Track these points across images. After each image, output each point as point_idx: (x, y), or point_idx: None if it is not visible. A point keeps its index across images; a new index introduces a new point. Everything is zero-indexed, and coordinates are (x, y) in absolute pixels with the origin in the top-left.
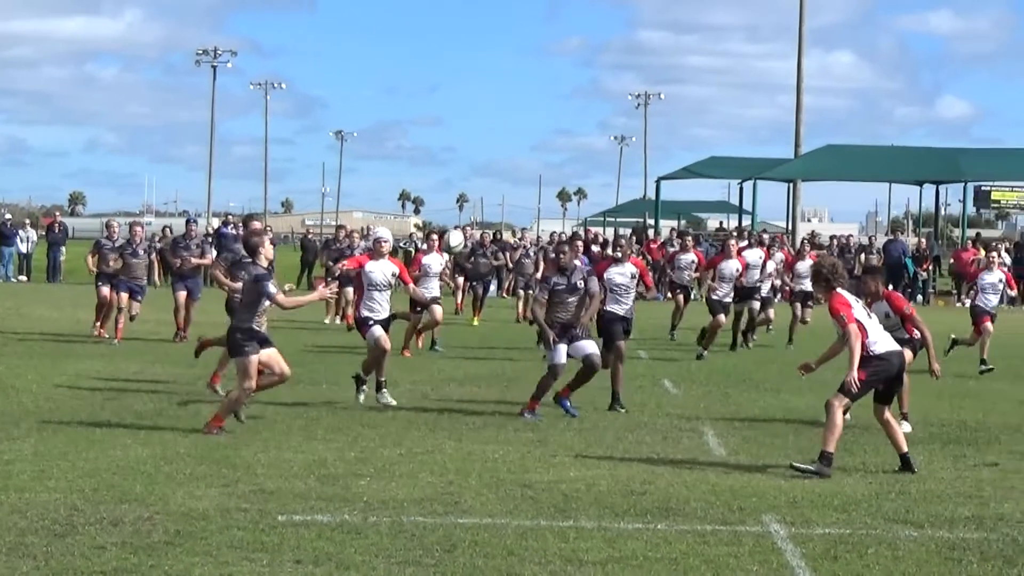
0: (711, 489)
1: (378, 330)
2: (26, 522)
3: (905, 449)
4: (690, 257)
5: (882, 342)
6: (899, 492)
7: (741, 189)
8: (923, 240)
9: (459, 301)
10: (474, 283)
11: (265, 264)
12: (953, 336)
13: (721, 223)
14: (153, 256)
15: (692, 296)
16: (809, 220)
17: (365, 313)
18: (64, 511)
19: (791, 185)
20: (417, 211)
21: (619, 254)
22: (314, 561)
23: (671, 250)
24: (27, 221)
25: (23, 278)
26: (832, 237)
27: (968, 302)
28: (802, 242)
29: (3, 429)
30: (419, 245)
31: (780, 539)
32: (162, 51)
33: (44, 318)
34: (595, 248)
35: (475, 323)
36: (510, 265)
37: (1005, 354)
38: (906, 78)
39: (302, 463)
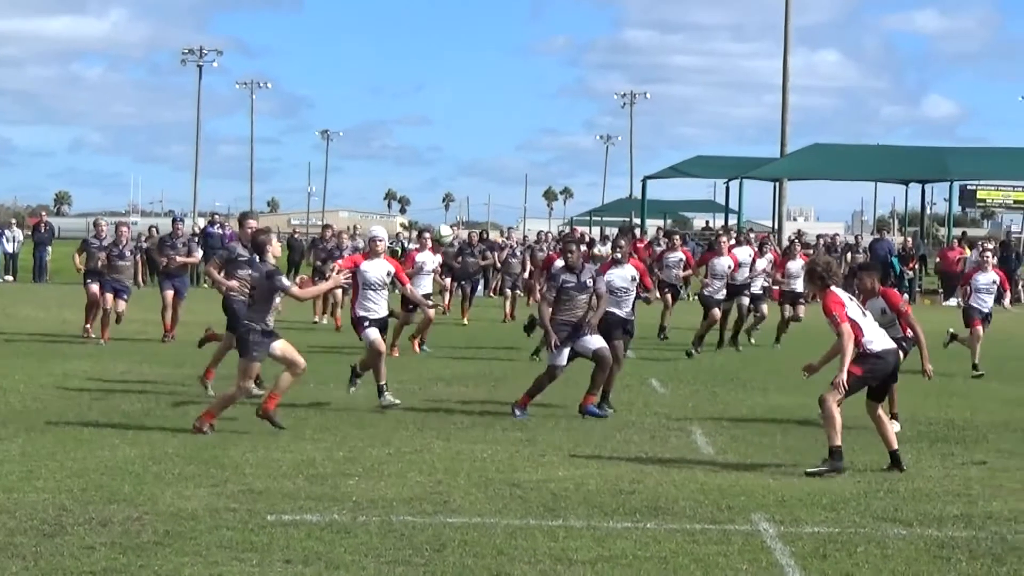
0: (700, 488)
1: (373, 332)
2: (15, 522)
3: (895, 446)
4: (678, 256)
5: (878, 340)
6: (888, 491)
7: (727, 188)
8: (909, 239)
9: (447, 301)
10: (462, 283)
11: (273, 262)
12: (951, 331)
13: (707, 222)
14: (139, 256)
15: (680, 295)
16: (795, 219)
17: (361, 313)
18: (53, 511)
19: (777, 184)
20: (403, 211)
21: (619, 255)
22: (303, 561)
23: (659, 249)
24: (13, 221)
25: (9, 278)
26: (818, 236)
27: (961, 302)
28: (792, 242)
29: None
30: (405, 245)
31: (769, 538)
32: (147, 51)
33: (30, 318)
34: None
35: (464, 323)
36: (498, 265)
37: (992, 353)
38: (892, 77)
39: (291, 463)
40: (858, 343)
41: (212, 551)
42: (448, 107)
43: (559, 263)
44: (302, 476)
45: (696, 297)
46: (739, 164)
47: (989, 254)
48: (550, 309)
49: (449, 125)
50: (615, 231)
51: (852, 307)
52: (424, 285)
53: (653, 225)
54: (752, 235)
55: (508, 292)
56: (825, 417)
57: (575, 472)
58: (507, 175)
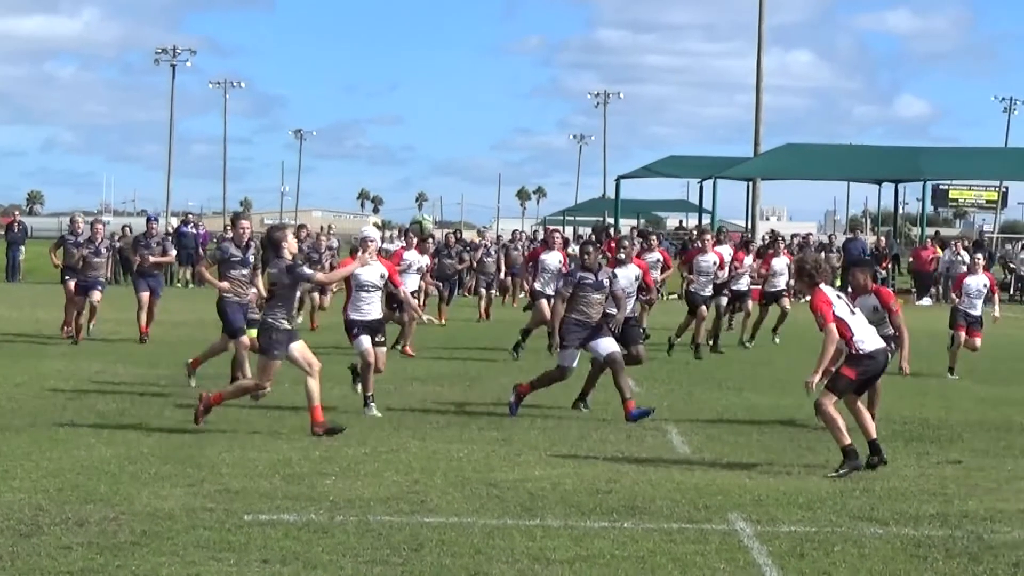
0: (676, 487)
1: (366, 341)
2: None
3: (874, 435)
4: (655, 256)
5: (869, 340)
6: (864, 490)
7: (701, 188)
8: (882, 239)
9: (422, 302)
10: (439, 283)
11: (289, 258)
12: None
13: (680, 222)
14: (111, 255)
15: (659, 295)
16: (768, 219)
17: (353, 316)
18: (29, 511)
19: (750, 184)
20: (376, 210)
21: (622, 255)
22: (281, 560)
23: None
24: None
25: None
26: (792, 236)
27: (952, 302)
28: (776, 239)
29: None
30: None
31: (746, 537)
32: (120, 50)
33: (4, 318)
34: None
35: (441, 323)
36: (473, 265)
37: (966, 353)
38: (864, 77)
39: (267, 462)
40: (849, 343)
41: (189, 551)
42: (421, 107)
43: (546, 256)
44: (279, 476)
45: (671, 296)
46: (712, 164)
47: (980, 258)
48: (563, 306)
49: (422, 125)
50: (588, 230)
51: (840, 306)
52: (409, 284)
53: (627, 225)
54: (723, 235)
55: (483, 292)
56: (826, 422)
57: (552, 472)
58: (480, 175)
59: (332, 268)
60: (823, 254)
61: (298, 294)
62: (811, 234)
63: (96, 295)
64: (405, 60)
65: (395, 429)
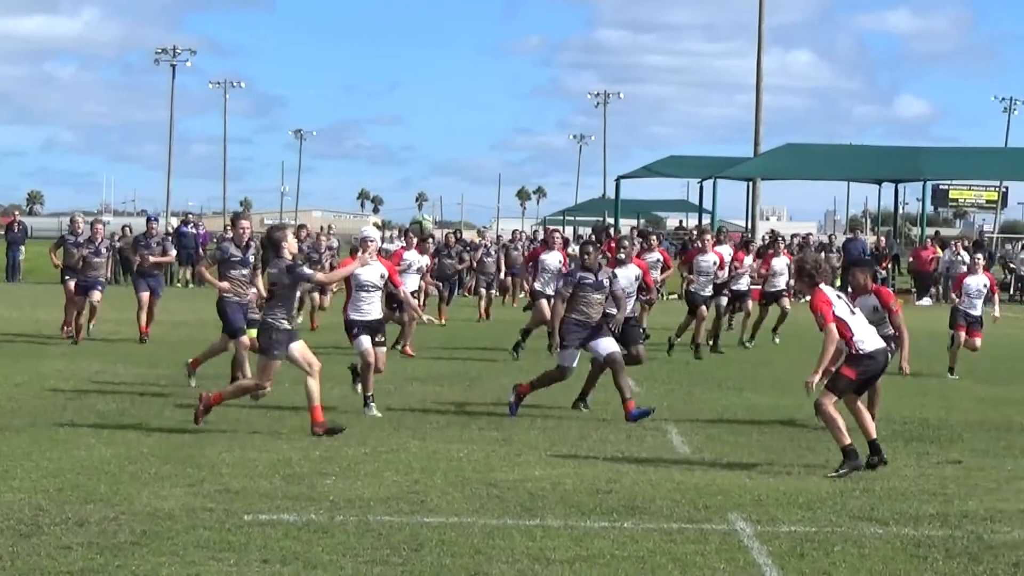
0: (676, 487)
1: (366, 341)
2: None
3: (874, 435)
4: (655, 256)
5: (869, 340)
6: (863, 490)
7: (701, 188)
8: (882, 239)
9: (422, 302)
10: (439, 283)
11: (289, 258)
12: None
13: (680, 222)
14: (112, 255)
15: (659, 295)
16: (768, 219)
17: (353, 316)
18: (29, 511)
19: (750, 184)
20: (376, 210)
21: (623, 255)
22: (281, 560)
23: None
24: None
25: None
26: (792, 236)
27: (951, 302)
28: (776, 239)
29: None
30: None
31: (746, 537)
32: (120, 50)
33: (3, 318)
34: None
35: (441, 323)
36: (473, 265)
37: (966, 353)
38: (864, 77)
39: (267, 462)
40: (849, 343)
41: (189, 551)
42: (422, 107)
43: (546, 256)
44: (279, 476)
45: (671, 297)
46: (712, 164)
47: (980, 258)
48: (563, 306)
49: (422, 125)
50: (588, 231)
51: (840, 306)
52: (409, 284)
53: (627, 225)
54: (723, 235)
55: (483, 292)
56: (826, 421)
57: (552, 472)
58: (480, 175)
59: (332, 268)
60: (823, 254)
61: (298, 294)
62: (811, 234)
63: (96, 295)
64: (405, 60)
65: (395, 429)
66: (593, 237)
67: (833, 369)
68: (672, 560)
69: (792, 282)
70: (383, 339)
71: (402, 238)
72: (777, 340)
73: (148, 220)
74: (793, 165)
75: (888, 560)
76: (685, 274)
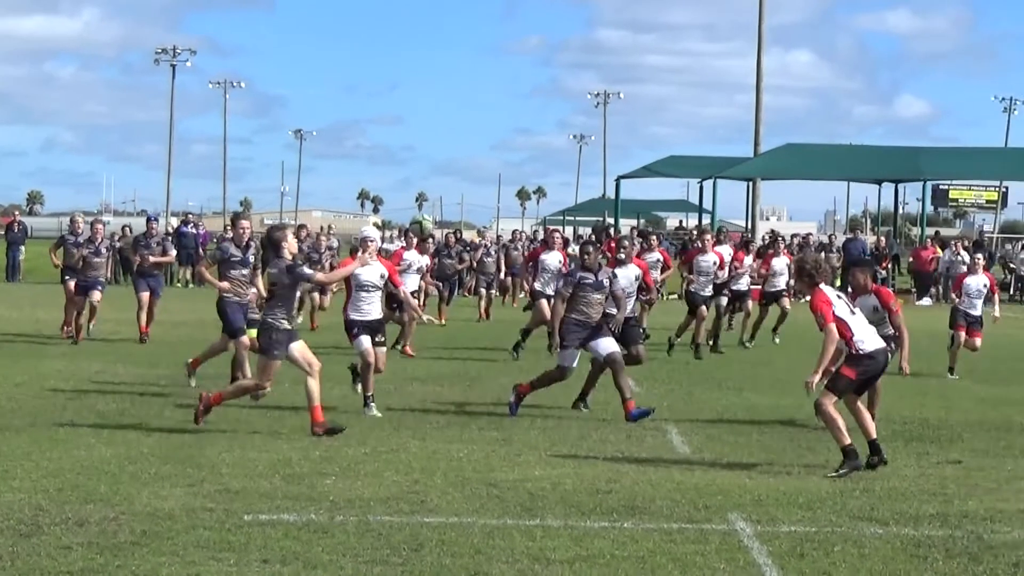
0: (676, 487)
1: (366, 341)
2: None
3: (874, 435)
4: (655, 256)
5: (869, 340)
6: (863, 490)
7: (701, 188)
8: (882, 238)
9: (422, 302)
10: (439, 283)
11: (289, 258)
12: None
13: (680, 222)
14: (112, 255)
15: (659, 295)
16: (767, 219)
17: (353, 316)
18: (29, 511)
19: (750, 184)
20: (376, 210)
21: (623, 255)
22: (281, 560)
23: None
24: None
25: None
26: (792, 236)
27: (952, 302)
28: (776, 239)
29: None
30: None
31: (746, 537)
32: (120, 50)
33: (3, 318)
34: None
35: (441, 323)
36: (473, 265)
37: (966, 353)
38: (864, 77)
39: (267, 462)
40: (849, 343)
41: (189, 551)
42: (422, 107)
43: (546, 256)
44: (279, 476)
45: (671, 297)
46: (712, 164)
47: (980, 258)
48: (563, 307)
49: (423, 125)
50: (588, 231)
51: (840, 306)
52: (409, 284)
53: (627, 225)
54: (723, 235)
55: (483, 292)
56: (826, 422)
57: (552, 472)
58: (480, 175)
59: (332, 268)
60: (823, 254)
61: (298, 294)
62: (811, 234)
63: (96, 295)
64: (405, 60)
65: (395, 429)
66: (593, 237)
67: (833, 369)
68: (672, 560)
69: (792, 282)
70: (383, 339)
71: (402, 238)
72: (777, 340)
73: (148, 220)
74: (793, 165)
75: (888, 560)
76: (685, 274)
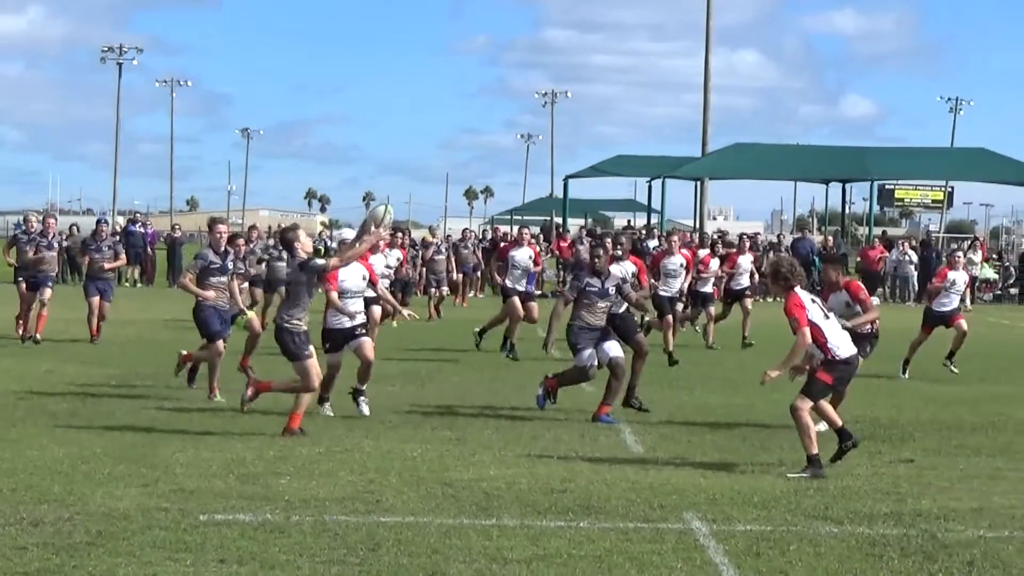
0: (631, 487)
1: (337, 356)
2: None
3: (840, 423)
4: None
5: (844, 345)
6: (817, 489)
7: (649, 187)
8: (830, 238)
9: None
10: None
11: (303, 256)
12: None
13: (628, 221)
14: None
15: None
16: (715, 218)
17: (332, 325)
18: None
19: (698, 184)
20: (323, 209)
21: (619, 252)
22: (238, 560)
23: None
24: None
25: None
26: (740, 235)
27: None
28: (741, 238)
29: None
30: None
31: (702, 536)
32: (66, 48)
33: None
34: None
35: (393, 324)
36: (423, 260)
37: (923, 350)
38: (810, 77)
39: (221, 462)
40: (824, 349)
41: (146, 551)
42: (369, 106)
43: (516, 252)
44: (233, 475)
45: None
46: (660, 163)
47: (960, 254)
48: (564, 308)
49: (370, 124)
50: (537, 230)
51: (814, 311)
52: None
53: (575, 224)
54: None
55: (432, 291)
56: (800, 428)
57: (506, 471)
58: (428, 174)
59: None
60: (771, 253)
61: (316, 292)
62: (759, 234)
63: (47, 292)
64: (352, 60)
65: (348, 429)
66: (542, 237)
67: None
68: (629, 559)
69: (756, 280)
70: (365, 331)
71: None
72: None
73: (98, 222)
74: (741, 165)
75: (844, 559)
76: (652, 281)
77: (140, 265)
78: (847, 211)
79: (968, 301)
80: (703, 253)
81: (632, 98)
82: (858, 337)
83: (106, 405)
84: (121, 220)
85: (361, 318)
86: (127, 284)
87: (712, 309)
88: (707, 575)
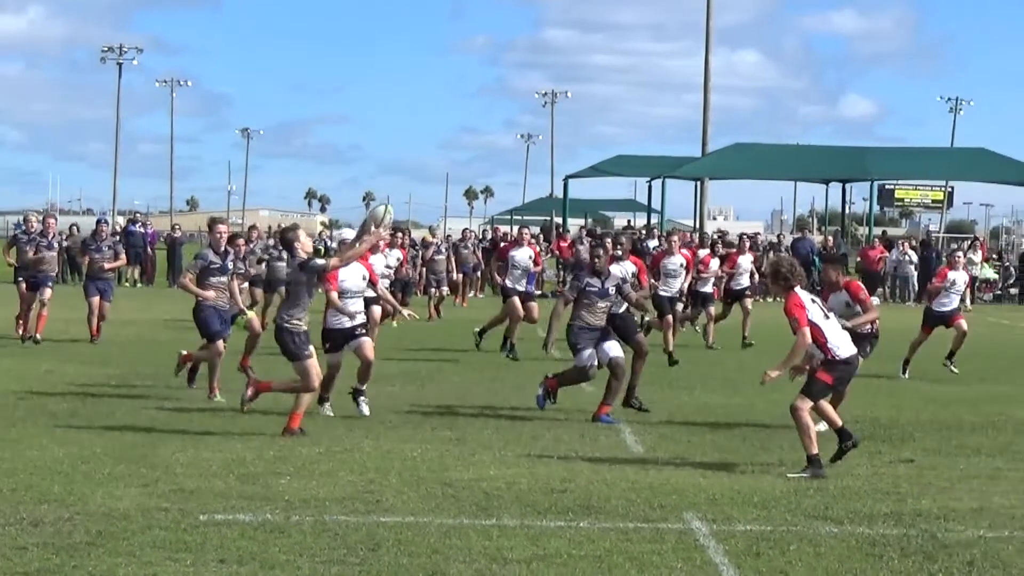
0: (631, 487)
1: (337, 356)
2: None
3: (840, 423)
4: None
5: (844, 345)
6: (817, 489)
7: (649, 187)
8: (830, 238)
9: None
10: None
11: (304, 256)
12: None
13: (628, 221)
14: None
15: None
16: (715, 218)
17: (332, 325)
18: None
19: (698, 184)
20: (323, 209)
21: (619, 252)
22: (238, 560)
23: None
24: None
25: None
26: (740, 235)
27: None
28: (741, 238)
29: None
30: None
31: (702, 536)
32: (66, 48)
33: None
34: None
35: (393, 324)
36: (423, 260)
37: (924, 349)
38: (810, 77)
39: (221, 462)
40: (824, 349)
41: (146, 551)
42: (369, 106)
43: (516, 252)
44: (233, 475)
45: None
46: (660, 163)
47: (960, 254)
48: (564, 308)
49: (370, 124)
50: (537, 230)
51: (814, 311)
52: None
53: (575, 224)
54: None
55: (432, 291)
56: (800, 428)
57: (506, 471)
58: (428, 174)
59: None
60: (771, 253)
61: (316, 292)
62: (759, 234)
63: (47, 292)
64: (352, 59)
65: (349, 429)
66: (542, 236)
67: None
68: (629, 559)
69: (756, 280)
70: (365, 331)
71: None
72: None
73: (98, 222)
74: (741, 165)
75: (844, 559)
76: (651, 280)
77: (140, 265)
78: (847, 211)
79: (968, 301)
80: (703, 253)
81: (632, 98)
82: (858, 337)
83: (106, 405)
84: (121, 220)
85: (361, 318)
86: (127, 284)
87: (712, 309)
88: (707, 575)
